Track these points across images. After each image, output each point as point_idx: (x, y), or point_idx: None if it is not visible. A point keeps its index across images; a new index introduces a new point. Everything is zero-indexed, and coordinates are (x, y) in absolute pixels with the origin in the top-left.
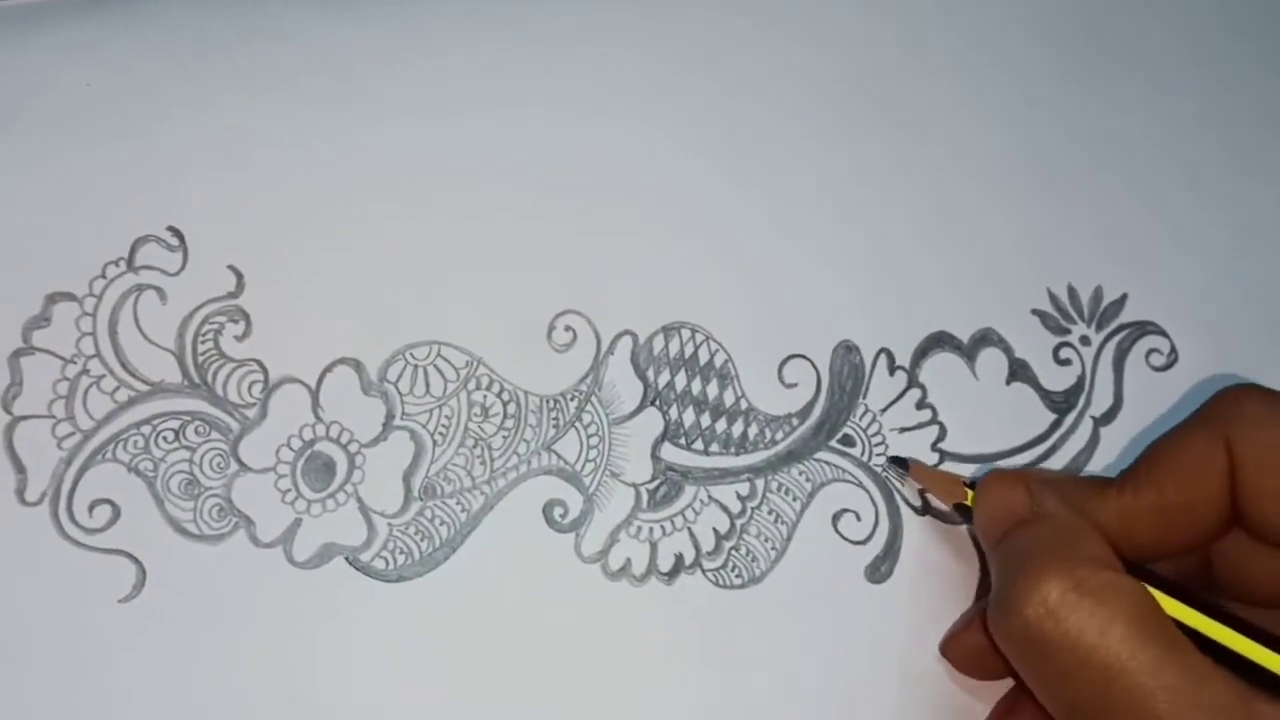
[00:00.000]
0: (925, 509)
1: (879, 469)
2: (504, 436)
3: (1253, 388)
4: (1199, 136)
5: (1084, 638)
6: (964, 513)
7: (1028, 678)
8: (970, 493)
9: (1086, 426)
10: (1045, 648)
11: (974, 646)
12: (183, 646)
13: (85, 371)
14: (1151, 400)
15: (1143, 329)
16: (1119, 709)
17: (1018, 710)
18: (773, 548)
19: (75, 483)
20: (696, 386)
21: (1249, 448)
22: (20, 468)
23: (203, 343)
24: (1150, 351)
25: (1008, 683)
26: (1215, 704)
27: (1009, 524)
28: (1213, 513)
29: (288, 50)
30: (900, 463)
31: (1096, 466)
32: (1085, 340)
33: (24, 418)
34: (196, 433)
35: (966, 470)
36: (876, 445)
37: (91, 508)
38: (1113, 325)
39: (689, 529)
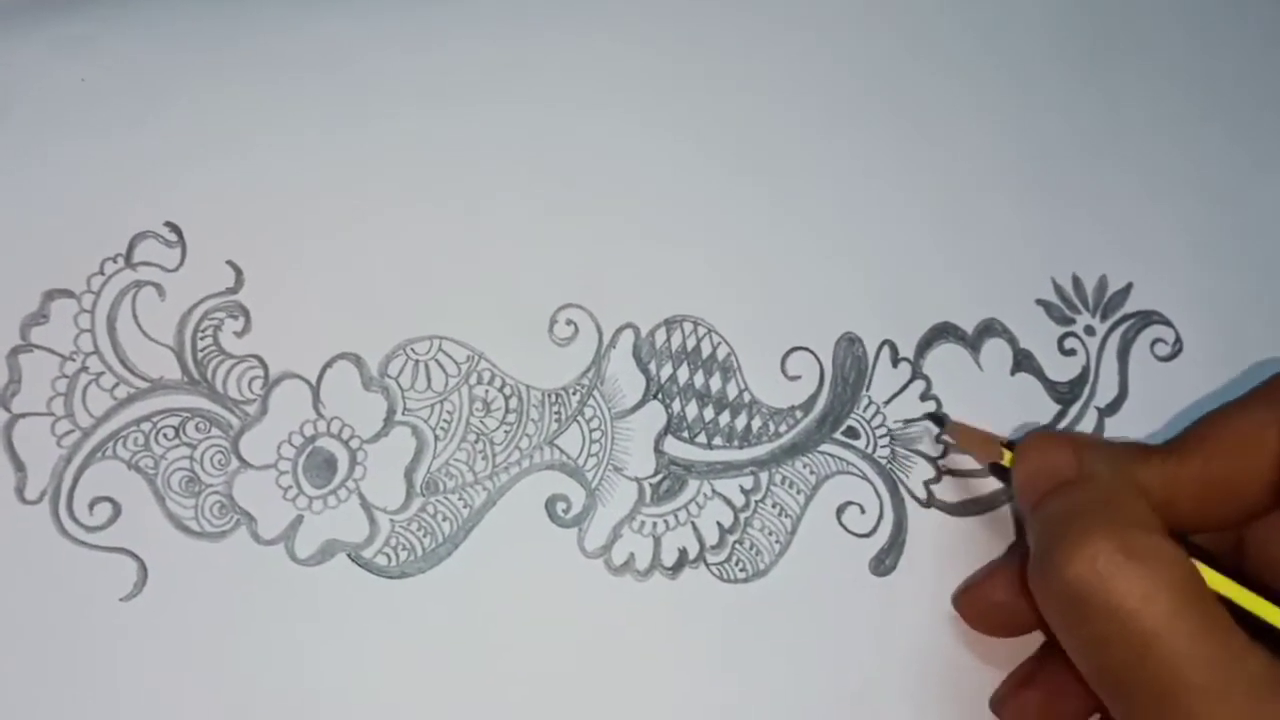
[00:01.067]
0: (930, 501)
1: (883, 460)
2: (506, 431)
3: None
4: (1204, 125)
5: (1127, 601)
6: (999, 473)
7: (1064, 638)
8: (1008, 453)
9: (1091, 417)
10: (1087, 608)
11: (989, 602)
12: (185, 645)
13: (84, 369)
14: (1156, 390)
15: (1148, 319)
16: (1154, 676)
17: (1032, 683)
18: (777, 541)
19: (75, 480)
20: (699, 380)
21: None
22: (20, 466)
23: (202, 339)
24: (1155, 341)
25: (1015, 657)
26: (1252, 678)
27: (1053, 484)
28: (1257, 489)
29: (286, 44)
30: (938, 420)
31: None
32: (1090, 330)
33: (23, 415)
34: (197, 429)
35: (972, 460)
36: (881, 438)
37: (92, 505)
38: (1117, 315)
39: (692, 523)
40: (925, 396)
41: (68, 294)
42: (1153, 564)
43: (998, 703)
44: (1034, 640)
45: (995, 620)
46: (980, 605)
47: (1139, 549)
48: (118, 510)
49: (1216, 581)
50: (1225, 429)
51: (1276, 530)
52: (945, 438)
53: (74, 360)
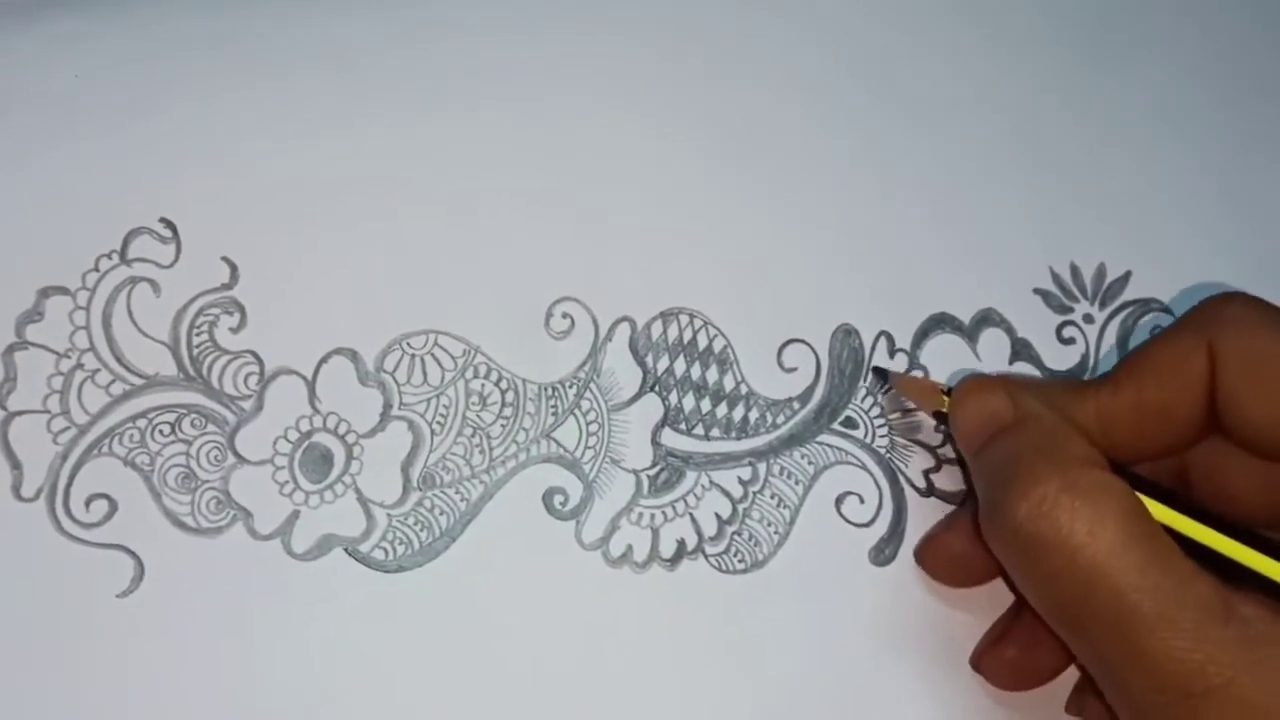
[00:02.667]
0: (930, 490)
1: (882, 450)
2: (503, 425)
3: (1238, 294)
4: (1202, 111)
5: (1073, 538)
6: (943, 419)
7: (1019, 580)
8: (947, 399)
9: None
10: (1036, 548)
11: (949, 552)
12: (182, 641)
13: (80, 365)
14: None
15: (1146, 306)
16: (1104, 607)
17: (1007, 638)
18: (776, 532)
19: (71, 478)
20: (696, 372)
21: (1229, 350)
22: (16, 463)
23: (197, 335)
24: (1154, 329)
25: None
26: (1198, 603)
27: (992, 429)
28: (1191, 414)
29: (280, 39)
30: (881, 374)
31: None
32: (1089, 319)
33: (19, 413)
34: (193, 425)
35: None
36: (879, 428)
37: (88, 502)
38: (1116, 303)
39: (690, 515)
40: None
41: (63, 291)
42: (1097, 498)
43: (976, 659)
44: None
45: (956, 571)
46: (940, 557)
47: (1082, 485)
48: (114, 507)
49: (1160, 512)
50: (1154, 358)
51: (1216, 454)
52: (890, 391)
53: (69, 357)
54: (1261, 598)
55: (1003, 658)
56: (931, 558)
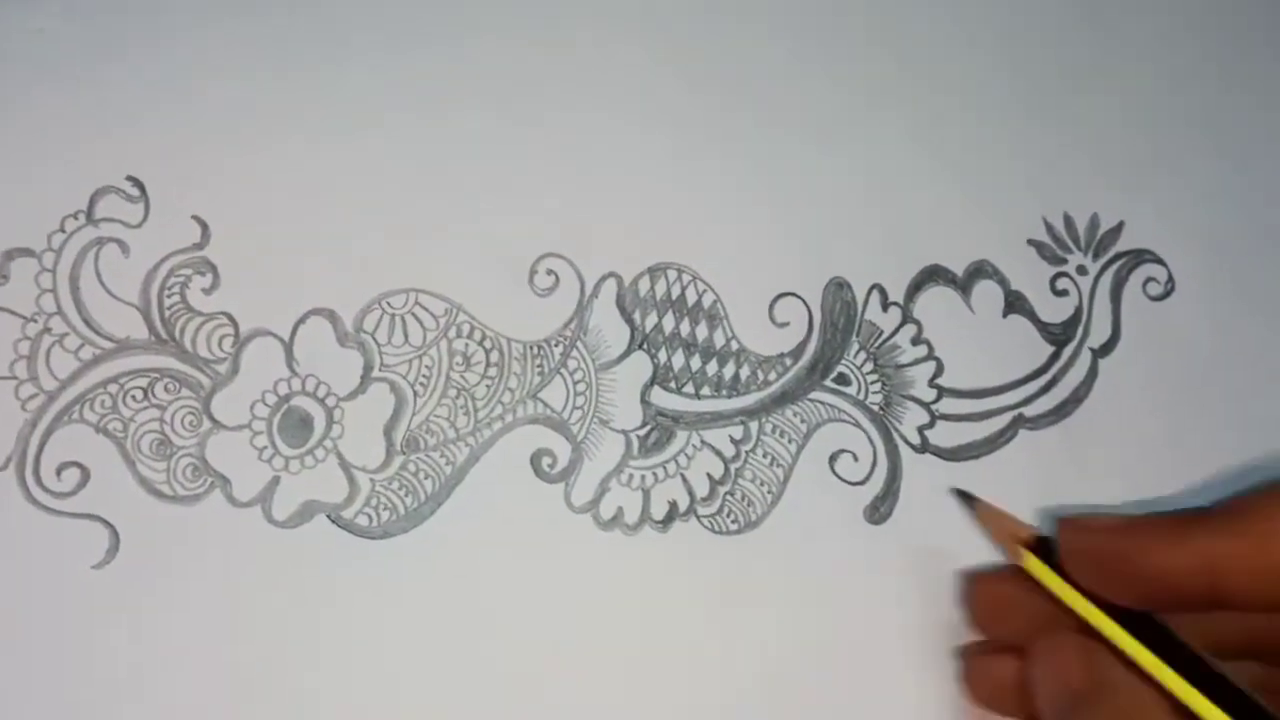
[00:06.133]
0: (924, 446)
1: (876, 407)
2: (487, 386)
3: None
4: (1196, 60)
5: None
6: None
7: None
8: (1029, 556)
9: (1085, 359)
10: None
11: (999, 681)
12: (160, 613)
13: (47, 330)
14: (1149, 331)
15: (1140, 257)
16: None
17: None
18: (769, 492)
19: (41, 445)
20: (685, 328)
21: None
22: None
23: (169, 297)
24: (1148, 280)
25: None
26: None
27: (1065, 697)
28: None
29: None
30: (967, 499)
31: (1096, 398)
32: (1082, 270)
33: None
34: (166, 390)
35: (967, 404)
36: (872, 384)
37: (59, 471)
38: (1110, 254)
39: (682, 475)
40: (917, 341)
41: (28, 253)
42: None
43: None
44: None
45: (1006, 701)
46: (987, 684)
47: None
48: (86, 475)
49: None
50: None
51: None
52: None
53: (36, 321)
54: None
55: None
56: (978, 687)
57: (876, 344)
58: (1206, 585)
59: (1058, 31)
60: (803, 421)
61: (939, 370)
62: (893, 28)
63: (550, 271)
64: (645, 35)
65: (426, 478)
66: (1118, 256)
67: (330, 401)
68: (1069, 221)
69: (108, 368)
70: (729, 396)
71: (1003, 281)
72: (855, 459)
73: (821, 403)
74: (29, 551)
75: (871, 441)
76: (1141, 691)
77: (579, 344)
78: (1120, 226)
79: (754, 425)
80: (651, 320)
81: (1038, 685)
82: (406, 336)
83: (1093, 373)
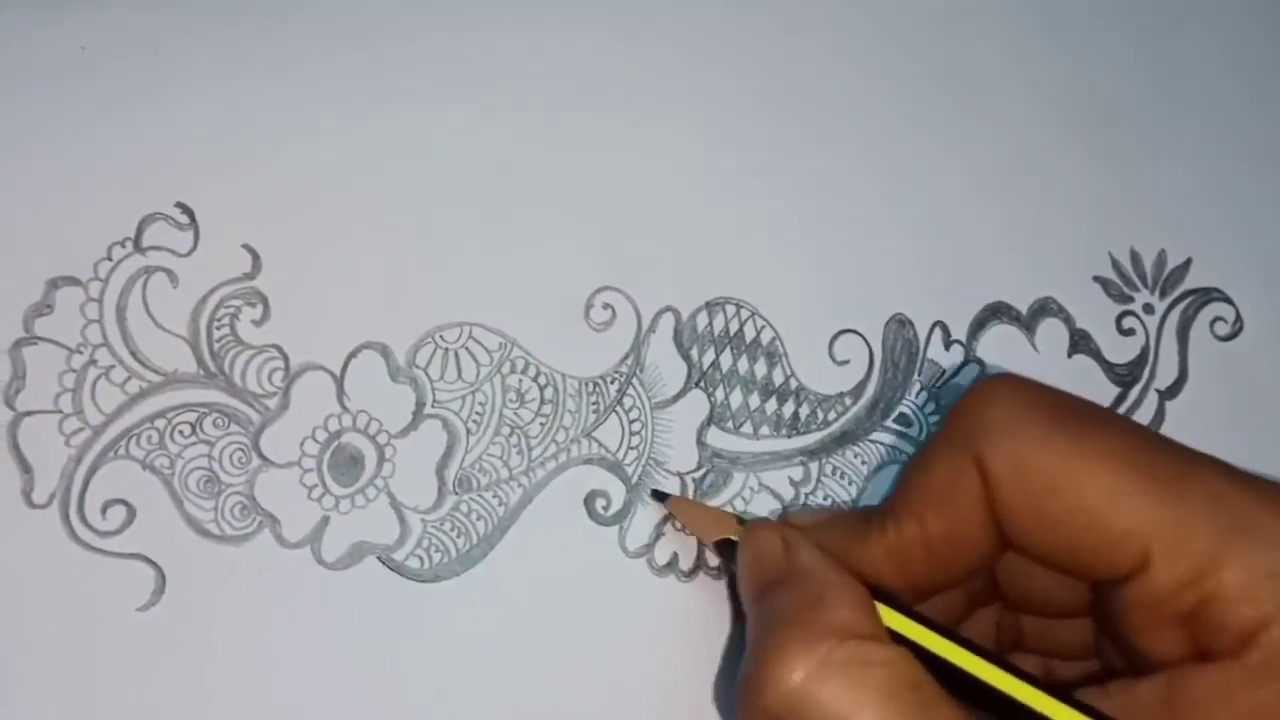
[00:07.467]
0: None
1: None
2: (541, 424)
3: (998, 383)
4: (1265, 95)
5: None
6: (725, 553)
7: None
8: (740, 528)
9: (1152, 400)
10: None
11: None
12: (206, 656)
13: (93, 362)
14: (1217, 372)
15: (1207, 295)
16: None
17: None
18: None
19: (86, 482)
20: (743, 365)
21: (996, 463)
22: (26, 467)
23: (218, 328)
24: (1215, 320)
25: None
26: None
27: (764, 581)
28: (980, 538)
29: (306, 15)
30: (660, 497)
31: None
32: (1149, 308)
33: (29, 413)
34: (215, 425)
35: None
36: (934, 425)
37: (104, 509)
38: (1177, 292)
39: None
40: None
41: (74, 282)
42: (854, 677)
43: None
44: None
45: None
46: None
47: (837, 662)
48: (132, 513)
49: (945, 649)
50: (928, 484)
51: (1018, 563)
52: (672, 519)
53: (82, 353)
54: None
55: None
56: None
57: (939, 384)
58: (902, 584)
59: (1125, 67)
60: (863, 463)
61: None
62: (957, 64)
63: (606, 305)
64: (710, 69)
65: (479, 519)
66: (1185, 295)
67: (381, 439)
68: (1135, 258)
69: (155, 401)
70: (788, 436)
71: (1068, 320)
72: None
73: (882, 444)
74: (72, 592)
75: None
76: (831, 577)
77: (635, 381)
78: (1188, 264)
79: (814, 466)
80: (709, 357)
81: (740, 571)
82: (460, 372)
83: (1159, 415)
